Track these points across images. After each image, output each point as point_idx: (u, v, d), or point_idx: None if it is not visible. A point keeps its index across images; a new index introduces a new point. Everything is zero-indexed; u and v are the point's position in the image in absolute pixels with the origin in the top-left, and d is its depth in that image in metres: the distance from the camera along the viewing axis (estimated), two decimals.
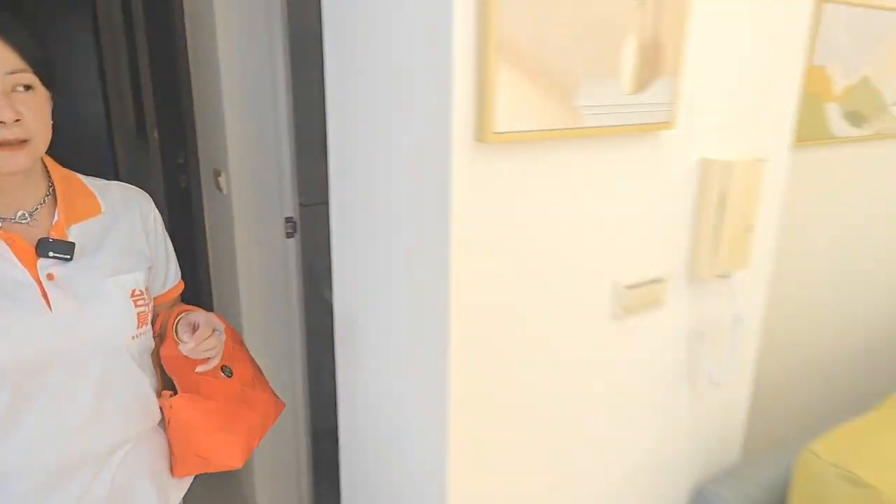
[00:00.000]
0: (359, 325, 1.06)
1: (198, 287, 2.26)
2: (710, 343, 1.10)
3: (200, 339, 0.84)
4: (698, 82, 0.92)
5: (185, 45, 1.78)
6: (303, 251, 1.71)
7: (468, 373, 0.84)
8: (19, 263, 0.76)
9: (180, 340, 0.86)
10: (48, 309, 0.76)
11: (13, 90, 0.74)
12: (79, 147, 2.86)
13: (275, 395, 1.05)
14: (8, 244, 0.76)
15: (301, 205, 1.68)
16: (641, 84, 0.85)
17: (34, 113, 0.75)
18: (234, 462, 0.93)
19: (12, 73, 0.73)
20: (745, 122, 1.04)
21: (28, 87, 0.75)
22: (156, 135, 2.59)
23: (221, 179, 1.64)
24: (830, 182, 1.53)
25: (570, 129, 0.81)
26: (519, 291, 0.86)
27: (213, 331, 0.87)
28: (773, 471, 1.17)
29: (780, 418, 1.54)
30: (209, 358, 0.88)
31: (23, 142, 0.74)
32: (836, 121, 1.51)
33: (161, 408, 0.91)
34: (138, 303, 0.84)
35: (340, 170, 1.03)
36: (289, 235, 1.67)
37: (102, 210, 0.87)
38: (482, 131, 0.74)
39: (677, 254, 1.02)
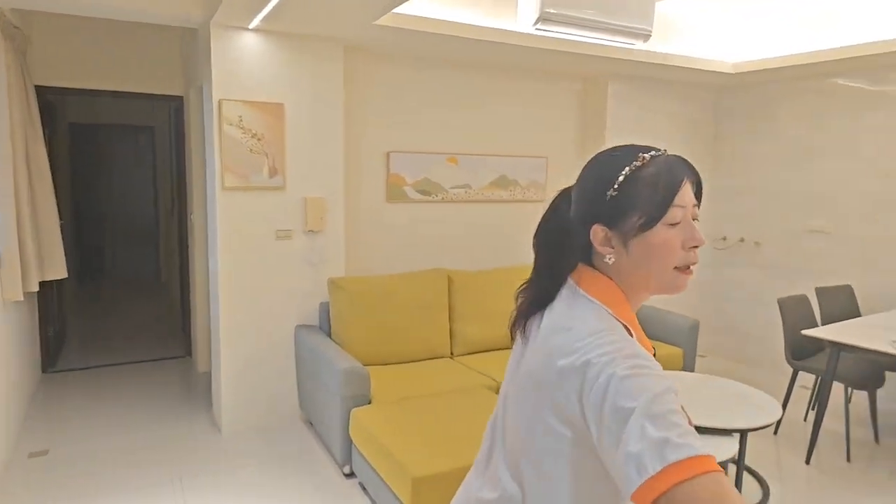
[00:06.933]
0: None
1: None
2: (316, 251, 3.61)
3: None
4: (295, 174, 3.49)
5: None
6: None
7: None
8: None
9: None
10: None
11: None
12: None
13: None
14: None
15: None
16: (272, 175, 3.43)
17: None
18: None
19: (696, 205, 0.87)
20: (318, 184, 3.58)
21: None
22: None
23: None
24: (403, 215, 4.02)
25: (253, 187, 3.39)
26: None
27: None
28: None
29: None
30: None
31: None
32: (411, 193, 4.03)
33: None
34: None
35: None
36: None
37: None
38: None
39: (297, 223, 3.55)
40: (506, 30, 3.47)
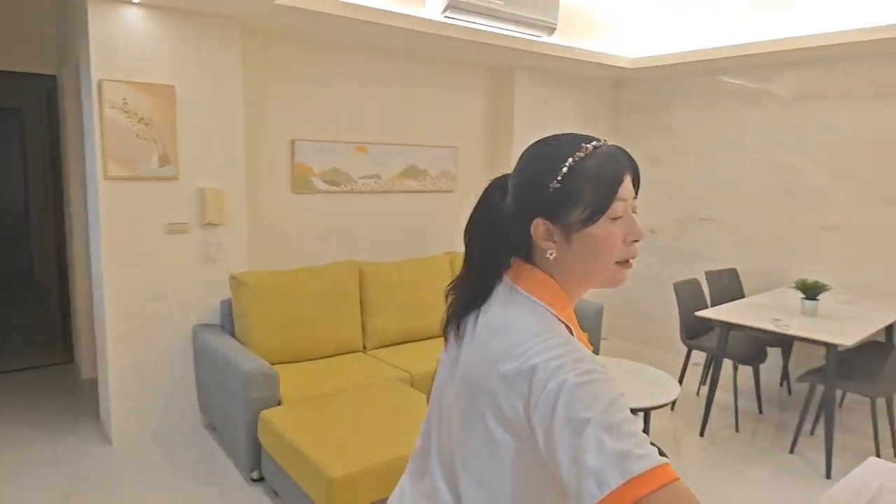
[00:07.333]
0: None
1: None
2: (215, 245, 3.38)
3: None
4: (189, 163, 3.24)
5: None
6: None
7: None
8: None
9: None
10: None
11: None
12: None
13: None
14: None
15: None
16: (163, 164, 3.16)
17: None
18: None
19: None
20: (216, 173, 3.35)
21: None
22: None
23: None
24: (310, 207, 3.86)
25: (140, 176, 3.11)
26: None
27: None
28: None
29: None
30: None
31: None
32: (319, 184, 3.87)
33: None
34: None
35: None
36: None
37: None
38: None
39: (193, 216, 3.31)
40: (414, 16, 3.40)
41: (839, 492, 1.12)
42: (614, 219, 0.80)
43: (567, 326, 0.81)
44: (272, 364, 3.20)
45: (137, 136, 3.01)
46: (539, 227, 0.82)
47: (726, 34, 4.03)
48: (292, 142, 3.72)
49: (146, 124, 3.02)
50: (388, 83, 4.09)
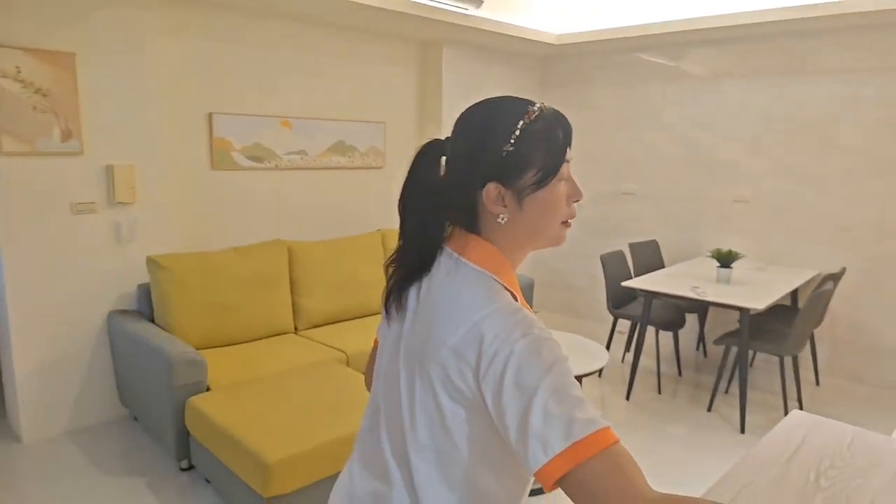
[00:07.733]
0: None
1: None
2: (128, 226, 3.16)
3: None
4: (95, 137, 2.99)
5: None
6: None
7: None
8: None
9: None
10: None
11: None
12: None
13: None
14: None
15: None
16: (65, 139, 2.90)
17: None
18: None
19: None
20: (125, 148, 3.12)
21: None
22: None
23: None
24: (232, 184, 3.68)
25: (40, 152, 2.84)
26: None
27: None
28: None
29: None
30: None
31: None
32: (241, 160, 3.69)
33: None
34: None
35: None
36: None
37: None
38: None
39: (102, 194, 3.07)
40: None
41: (767, 444, 1.19)
42: (561, 180, 0.82)
43: (511, 293, 0.81)
44: (198, 349, 3.05)
45: (35, 108, 2.74)
46: (491, 191, 0.80)
47: (645, 12, 4.14)
48: (210, 115, 3.51)
49: (44, 95, 2.76)
50: (314, 54, 3.93)
